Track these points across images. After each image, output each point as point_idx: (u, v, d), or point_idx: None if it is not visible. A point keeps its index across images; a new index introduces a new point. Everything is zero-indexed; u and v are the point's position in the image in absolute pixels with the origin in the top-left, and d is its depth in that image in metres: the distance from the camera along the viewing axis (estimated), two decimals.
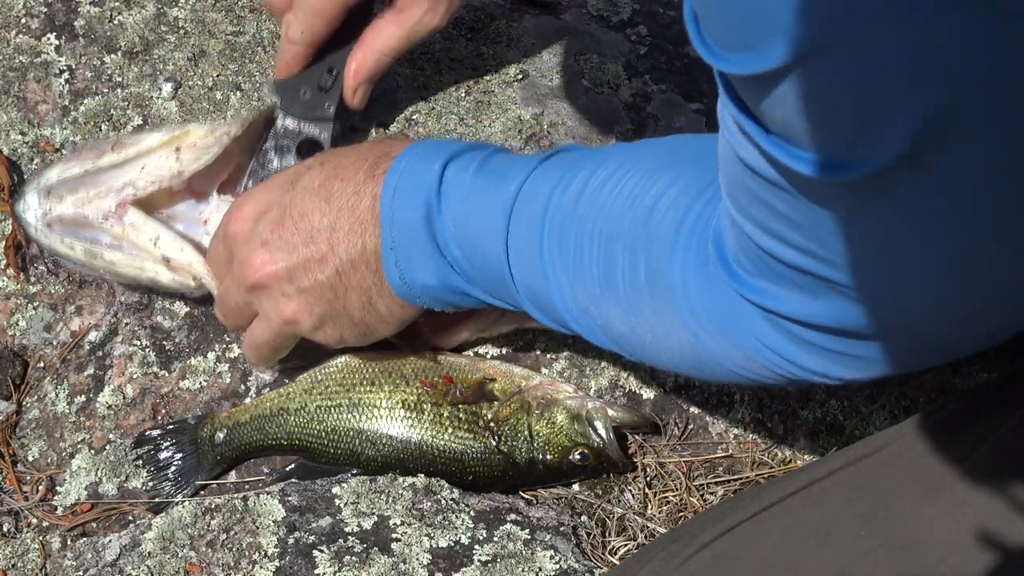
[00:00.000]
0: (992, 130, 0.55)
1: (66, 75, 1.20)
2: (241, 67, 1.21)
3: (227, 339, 1.13)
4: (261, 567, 0.98)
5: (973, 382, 1.13)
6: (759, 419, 1.12)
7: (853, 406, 1.13)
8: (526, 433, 1.06)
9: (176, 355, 1.13)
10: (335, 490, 1.03)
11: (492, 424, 1.06)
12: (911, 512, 0.80)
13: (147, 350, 1.13)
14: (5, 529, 1.09)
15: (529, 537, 1.01)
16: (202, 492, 1.09)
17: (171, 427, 1.10)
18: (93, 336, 1.14)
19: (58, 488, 1.10)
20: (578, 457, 1.06)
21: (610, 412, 1.06)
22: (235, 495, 1.04)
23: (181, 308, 1.14)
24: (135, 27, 1.21)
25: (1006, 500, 0.77)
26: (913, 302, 0.68)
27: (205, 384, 1.12)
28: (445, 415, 1.06)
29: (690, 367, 0.88)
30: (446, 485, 1.04)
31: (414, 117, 1.19)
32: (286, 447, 1.09)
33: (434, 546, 0.99)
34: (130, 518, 1.09)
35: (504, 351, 1.12)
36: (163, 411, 1.12)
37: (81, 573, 1.03)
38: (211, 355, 1.13)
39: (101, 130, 1.18)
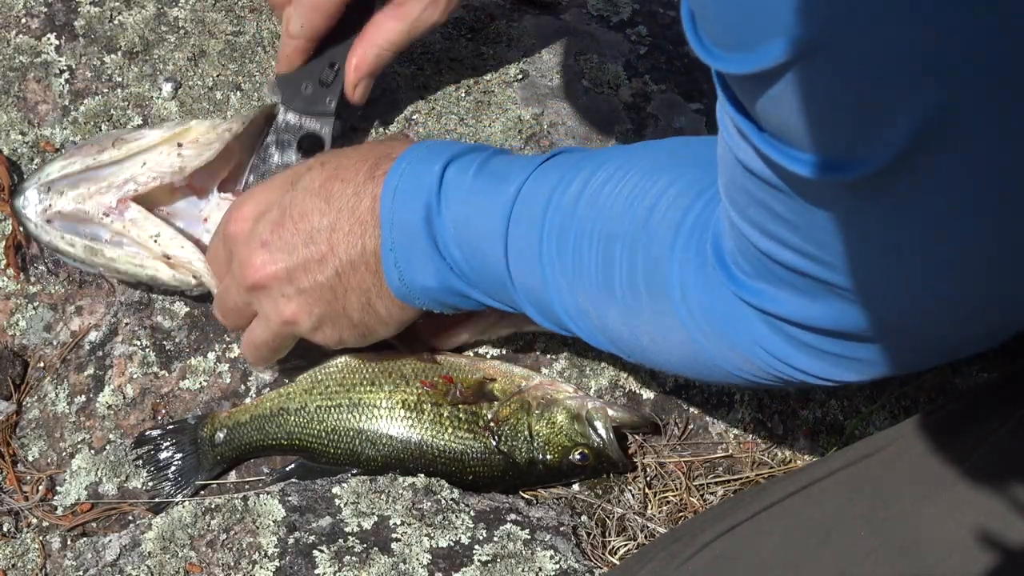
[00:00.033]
0: (992, 130, 0.55)
1: (66, 75, 1.20)
2: (241, 67, 1.21)
3: (227, 339, 1.13)
4: (261, 567, 0.98)
5: (973, 382, 1.13)
6: (759, 419, 1.12)
7: (853, 406, 1.13)
8: (526, 433, 1.06)
9: (176, 355, 1.13)
10: (335, 490, 1.03)
11: (492, 424, 1.06)
12: (911, 512, 0.80)
13: (147, 350, 1.13)
14: (5, 529, 1.09)
15: (529, 537, 1.01)
16: (202, 492, 1.09)
17: (171, 427, 1.10)
18: (93, 336, 1.14)
19: (58, 488, 1.10)
20: (578, 457, 1.06)
21: (610, 412, 1.06)
22: (235, 495, 1.04)
23: (181, 308, 1.14)
24: (135, 27, 1.21)
25: (1006, 500, 0.77)
26: (912, 302, 0.68)
27: (205, 384, 1.12)
28: (445, 415, 1.06)
29: (688, 368, 0.88)
30: (446, 485, 1.04)
31: (414, 117, 1.19)
32: (286, 447, 1.09)
33: (434, 546, 0.99)
34: (130, 518, 1.09)
35: (504, 351, 1.12)
36: (163, 411, 1.12)
37: (81, 573, 1.03)
38: (211, 355, 1.13)
39: (101, 130, 1.18)
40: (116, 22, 1.22)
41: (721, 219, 0.76)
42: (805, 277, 0.69)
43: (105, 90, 1.20)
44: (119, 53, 1.21)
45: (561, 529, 1.03)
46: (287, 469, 1.08)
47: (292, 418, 1.08)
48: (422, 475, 1.05)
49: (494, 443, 1.06)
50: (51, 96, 1.19)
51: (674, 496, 1.09)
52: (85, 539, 1.05)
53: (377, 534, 1.00)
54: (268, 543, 0.99)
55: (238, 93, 1.20)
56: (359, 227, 0.94)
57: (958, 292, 0.66)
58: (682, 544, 0.89)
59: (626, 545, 1.06)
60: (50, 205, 1.07)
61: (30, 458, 1.11)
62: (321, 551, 0.98)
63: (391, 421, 1.06)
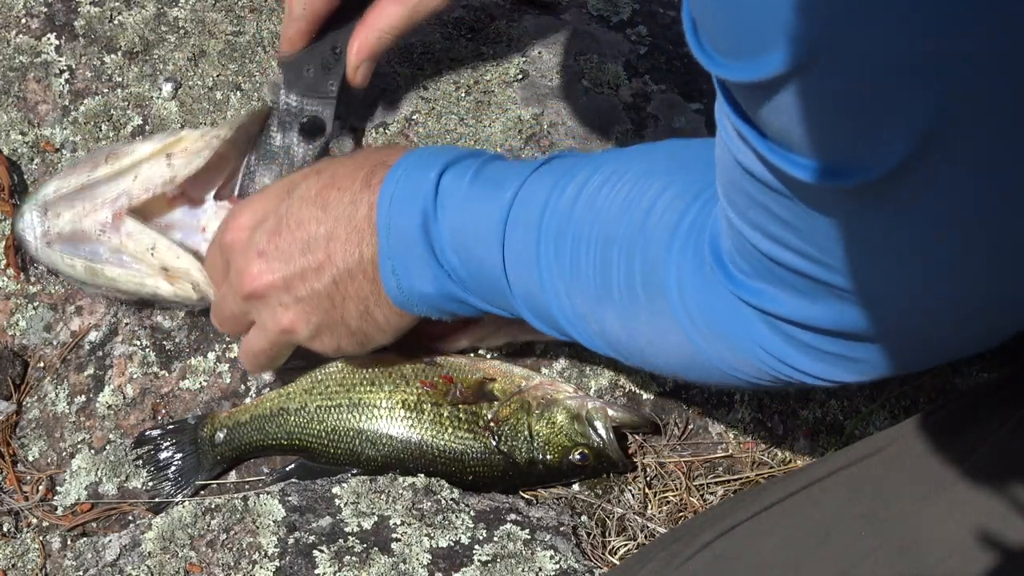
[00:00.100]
0: (993, 130, 0.55)
1: (66, 75, 1.20)
2: (241, 67, 1.21)
3: (227, 339, 1.13)
4: (261, 567, 0.98)
5: (973, 382, 1.13)
6: (759, 419, 1.12)
7: (853, 406, 1.13)
8: (526, 433, 1.06)
9: (176, 355, 1.13)
10: (335, 490, 1.03)
11: (492, 424, 1.06)
12: (911, 512, 0.80)
13: (147, 350, 1.13)
14: (5, 529, 1.09)
15: (529, 537, 1.01)
16: (202, 492, 1.09)
17: (171, 427, 1.10)
18: (93, 336, 1.14)
19: (58, 488, 1.10)
20: (578, 457, 1.06)
21: (610, 412, 1.06)
22: (235, 495, 1.04)
23: (178, 309, 1.14)
24: (135, 27, 1.21)
25: (1006, 500, 0.77)
26: (912, 303, 0.68)
27: (205, 384, 1.12)
28: (445, 415, 1.06)
29: (686, 370, 0.88)
30: (446, 485, 1.04)
31: (414, 117, 1.19)
32: (286, 447, 1.09)
33: (434, 546, 0.99)
34: (130, 518, 1.09)
35: (504, 351, 1.12)
36: (163, 411, 1.12)
37: (81, 573, 1.02)
38: (211, 355, 1.13)
39: (101, 130, 1.18)
40: (116, 22, 1.22)
41: (719, 219, 0.76)
42: (805, 278, 0.68)
43: (105, 90, 1.20)
44: (119, 53, 1.21)
45: (561, 529, 1.03)
46: (287, 469, 1.08)
47: (292, 418, 1.08)
48: (422, 475, 1.05)
49: (494, 443, 1.06)
50: (51, 96, 1.19)
51: (674, 496, 1.09)
52: (85, 539, 1.05)
53: (377, 534, 1.00)
54: (268, 543, 0.99)
55: (238, 93, 1.20)
56: (356, 235, 0.94)
57: (958, 292, 0.66)
58: (682, 544, 0.89)
59: (626, 545, 1.06)
60: (49, 227, 1.07)
61: (30, 458, 1.11)
62: (321, 551, 0.98)
63: (391, 421, 1.06)
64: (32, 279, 1.15)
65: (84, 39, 1.21)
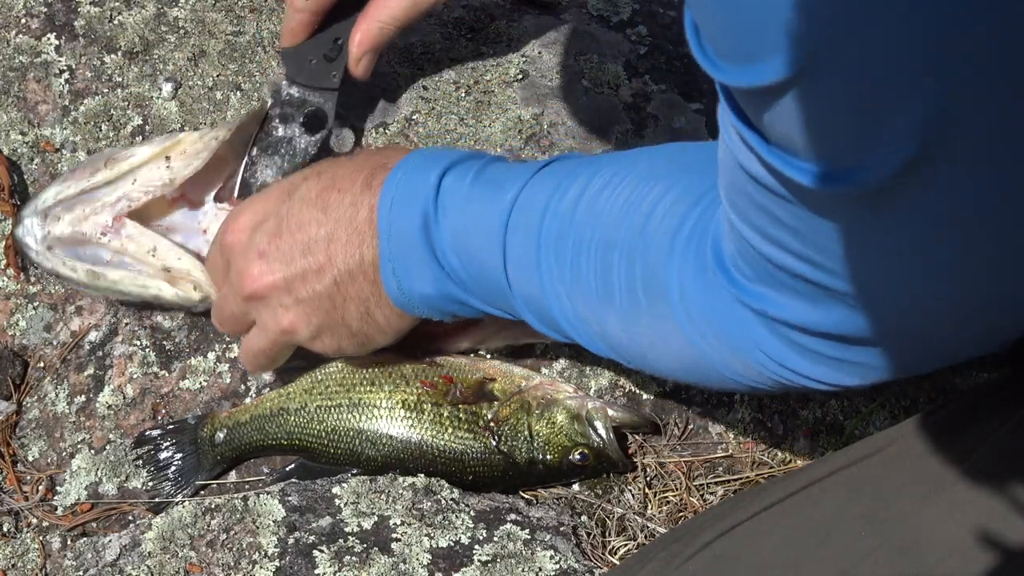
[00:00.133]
0: (993, 130, 0.55)
1: (66, 75, 1.20)
2: (241, 67, 1.21)
3: (227, 339, 1.13)
4: (261, 567, 0.98)
5: (973, 382, 1.13)
6: (759, 419, 1.12)
7: (853, 406, 1.13)
8: (526, 433, 1.06)
9: (176, 355, 1.13)
10: (335, 490, 1.03)
11: (492, 424, 1.06)
12: (911, 512, 0.80)
13: (147, 350, 1.13)
14: (5, 529, 1.09)
15: (529, 537, 1.01)
16: (202, 492, 1.09)
17: (171, 427, 1.10)
18: (93, 336, 1.14)
19: (58, 488, 1.10)
20: (578, 457, 1.06)
21: (610, 412, 1.06)
22: (235, 495, 1.04)
23: (180, 312, 1.14)
24: (135, 27, 1.21)
25: (1006, 500, 0.77)
26: (912, 303, 0.68)
27: (205, 384, 1.12)
28: (445, 415, 1.06)
29: (688, 374, 0.88)
30: (446, 485, 1.04)
31: (414, 117, 1.19)
32: (286, 447, 1.09)
33: (434, 546, 0.99)
34: (130, 518, 1.09)
35: (504, 352, 1.12)
36: (163, 411, 1.12)
37: (81, 573, 1.02)
38: (211, 355, 1.13)
39: (101, 130, 1.18)
40: (116, 22, 1.22)
41: (721, 223, 0.76)
42: (807, 282, 0.68)
43: (105, 90, 1.20)
44: (119, 53, 1.21)
45: (561, 529, 1.03)
46: (287, 469, 1.08)
47: (292, 418, 1.08)
48: (422, 475, 1.05)
49: (494, 443, 1.06)
50: (51, 96, 1.19)
51: (674, 496, 1.09)
52: (85, 539, 1.05)
53: (377, 534, 1.00)
54: (268, 543, 0.99)
55: (238, 93, 1.20)
56: (357, 237, 0.94)
57: (958, 292, 0.66)
58: (682, 544, 0.89)
59: (626, 545, 1.06)
60: (49, 232, 1.07)
61: (30, 458, 1.11)
62: (321, 551, 0.98)
63: (391, 421, 1.06)
64: (32, 279, 1.15)
65: (84, 39, 1.21)
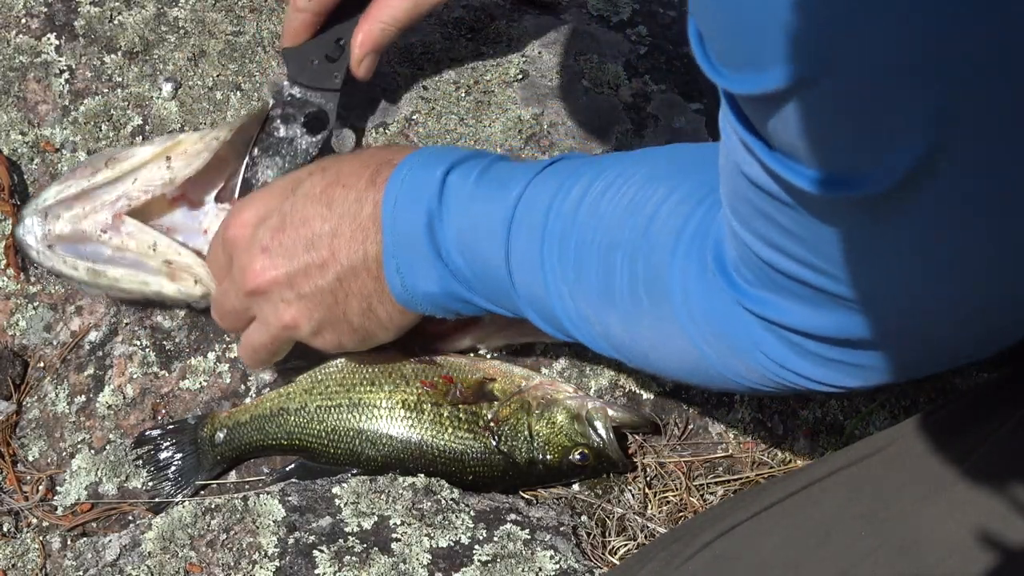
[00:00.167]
0: (993, 130, 0.55)
1: (66, 75, 1.20)
2: (241, 67, 1.21)
3: (227, 339, 1.13)
4: (261, 567, 0.98)
5: (973, 382, 1.13)
6: (759, 419, 1.12)
7: (853, 406, 1.13)
8: (526, 433, 1.06)
9: (176, 355, 1.13)
10: (335, 490, 1.03)
11: (492, 424, 1.06)
12: (911, 512, 0.80)
13: (147, 350, 1.13)
14: (5, 529, 1.09)
15: (529, 537, 1.01)
16: (202, 492, 1.09)
17: (171, 427, 1.10)
18: (93, 336, 1.14)
19: (58, 488, 1.10)
20: (578, 457, 1.06)
21: (610, 412, 1.06)
22: (235, 495, 1.04)
23: (181, 308, 1.14)
24: (135, 27, 1.21)
25: (1006, 500, 0.77)
26: (913, 303, 0.68)
27: (205, 384, 1.12)
28: (445, 415, 1.06)
29: (689, 375, 0.88)
30: (446, 485, 1.04)
31: (414, 117, 1.19)
32: (286, 447, 1.09)
33: (434, 546, 0.99)
34: (130, 518, 1.09)
35: (504, 351, 1.12)
36: (163, 411, 1.12)
37: (81, 573, 1.03)
38: (211, 355, 1.13)
39: (101, 130, 1.18)
40: (116, 22, 1.22)
41: (722, 226, 0.76)
42: (808, 287, 0.68)
43: (105, 90, 1.20)
44: (119, 53, 1.21)
45: (561, 529, 1.03)
46: (287, 469, 1.08)
47: (292, 418, 1.08)
48: (422, 475, 1.05)
49: (494, 443, 1.06)
50: (51, 96, 1.19)
51: (674, 496, 1.09)
52: (85, 539, 1.05)
53: (377, 534, 1.00)
54: (268, 543, 0.99)
55: (238, 93, 1.20)
56: (361, 233, 0.94)
57: (958, 292, 0.66)
58: (682, 544, 0.89)
59: (626, 545, 1.06)
60: (49, 230, 1.07)
61: (30, 458, 1.11)
62: (321, 551, 0.98)
63: (391, 421, 1.06)
64: (32, 279, 1.15)
65: (84, 39, 1.21)
